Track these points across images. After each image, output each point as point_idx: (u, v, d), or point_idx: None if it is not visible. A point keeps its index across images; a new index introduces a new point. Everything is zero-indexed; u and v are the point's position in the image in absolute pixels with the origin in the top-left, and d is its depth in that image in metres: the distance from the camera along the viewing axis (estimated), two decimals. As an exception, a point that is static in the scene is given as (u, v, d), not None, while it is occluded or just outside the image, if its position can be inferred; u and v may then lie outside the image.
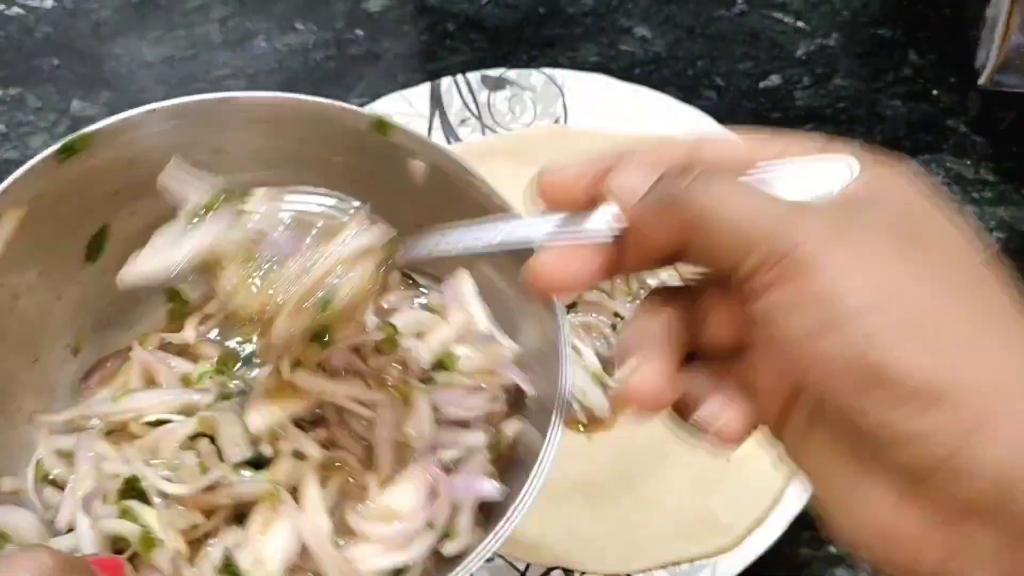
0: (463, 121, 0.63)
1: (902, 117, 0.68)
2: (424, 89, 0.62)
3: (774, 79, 0.70)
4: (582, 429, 0.52)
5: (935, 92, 0.69)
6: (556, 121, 0.63)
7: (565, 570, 0.48)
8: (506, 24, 0.73)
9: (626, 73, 0.69)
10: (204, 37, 0.72)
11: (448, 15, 0.74)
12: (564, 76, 0.63)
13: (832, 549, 0.50)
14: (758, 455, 0.49)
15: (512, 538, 0.48)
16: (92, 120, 0.68)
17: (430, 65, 0.71)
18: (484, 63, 0.70)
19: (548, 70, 0.63)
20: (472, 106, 0.63)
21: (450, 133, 0.62)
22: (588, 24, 0.73)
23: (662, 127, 0.61)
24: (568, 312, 0.54)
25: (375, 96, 0.66)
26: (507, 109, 0.63)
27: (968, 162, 0.65)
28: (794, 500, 0.49)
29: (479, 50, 0.71)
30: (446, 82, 0.63)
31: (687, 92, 0.68)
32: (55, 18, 0.73)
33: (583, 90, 0.63)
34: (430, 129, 0.62)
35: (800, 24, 0.73)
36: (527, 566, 0.48)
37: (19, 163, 0.65)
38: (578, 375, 0.51)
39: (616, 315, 0.54)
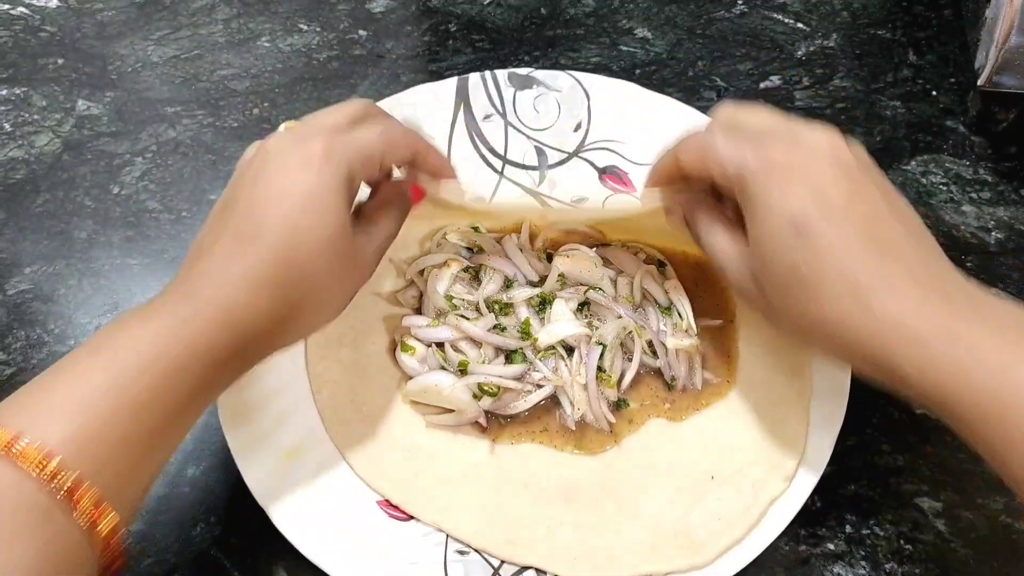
0: (487, 117, 0.63)
1: (901, 117, 0.68)
2: (451, 83, 0.63)
3: (774, 80, 0.70)
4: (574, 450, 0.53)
5: (934, 93, 0.69)
6: (578, 125, 0.63)
7: (538, 571, 0.48)
8: (508, 25, 0.74)
9: (627, 74, 0.70)
10: (208, 37, 0.73)
11: (451, 16, 0.74)
12: (592, 80, 0.63)
13: (830, 546, 0.50)
14: (743, 475, 0.50)
15: (489, 534, 0.48)
16: (97, 120, 0.69)
17: (432, 66, 0.71)
18: (486, 64, 0.71)
19: (577, 73, 0.64)
20: (497, 103, 0.63)
21: (473, 128, 0.62)
22: (589, 25, 0.74)
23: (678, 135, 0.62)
24: (581, 310, 0.55)
25: (378, 97, 0.67)
26: (532, 108, 0.63)
27: (967, 162, 0.65)
28: (777, 520, 0.49)
29: (481, 51, 0.72)
30: (474, 77, 0.63)
31: (687, 93, 0.69)
32: (60, 18, 0.74)
33: (610, 96, 0.63)
34: (454, 122, 0.62)
35: (800, 25, 0.74)
36: (500, 563, 0.48)
37: (25, 161, 0.66)
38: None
39: (619, 316, 0.54)
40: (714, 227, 0.46)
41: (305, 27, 0.74)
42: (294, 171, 0.42)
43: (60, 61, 0.71)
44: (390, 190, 0.50)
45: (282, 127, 0.48)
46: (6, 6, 0.74)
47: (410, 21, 0.74)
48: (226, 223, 0.42)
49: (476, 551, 0.49)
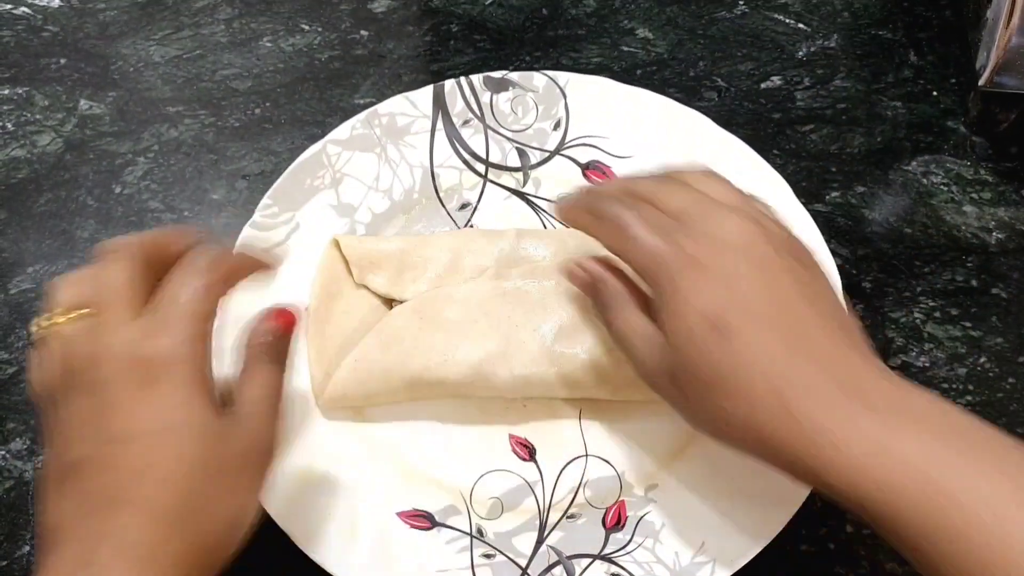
0: (466, 122, 0.63)
1: (902, 118, 0.68)
2: (427, 91, 0.63)
3: (775, 80, 0.70)
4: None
5: (935, 93, 0.69)
6: (557, 123, 0.63)
7: (567, 572, 0.48)
8: (509, 25, 0.74)
9: (628, 74, 0.70)
10: (210, 37, 0.73)
11: (452, 16, 0.74)
12: (567, 78, 0.63)
13: (831, 546, 0.50)
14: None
15: None
16: (99, 119, 0.69)
17: (434, 66, 0.71)
18: (487, 64, 0.71)
19: (551, 72, 0.64)
20: (475, 107, 0.63)
21: (453, 134, 0.63)
22: (591, 25, 0.74)
23: (661, 129, 0.62)
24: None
25: (379, 97, 0.67)
26: (509, 110, 0.64)
27: (968, 163, 0.65)
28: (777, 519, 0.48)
29: (482, 51, 0.72)
30: (449, 84, 0.63)
31: (688, 93, 0.69)
32: (62, 18, 0.74)
33: (585, 92, 0.63)
34: (433, 130, 0.62)
35: (801, 26, 0.74)
36: (528, 563, 0.49)
37: (27, 161, 0.66)
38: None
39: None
40: (628, 305, 0.44)
41: (307, 27, 0.74)
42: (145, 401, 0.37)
43: (62, 61, 0.71)
44: (254, 351, 0.42)
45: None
46: (8, 6, 0.75)
47: (412, 21, 0.74)
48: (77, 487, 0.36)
49: (501, 552, 0.49)
